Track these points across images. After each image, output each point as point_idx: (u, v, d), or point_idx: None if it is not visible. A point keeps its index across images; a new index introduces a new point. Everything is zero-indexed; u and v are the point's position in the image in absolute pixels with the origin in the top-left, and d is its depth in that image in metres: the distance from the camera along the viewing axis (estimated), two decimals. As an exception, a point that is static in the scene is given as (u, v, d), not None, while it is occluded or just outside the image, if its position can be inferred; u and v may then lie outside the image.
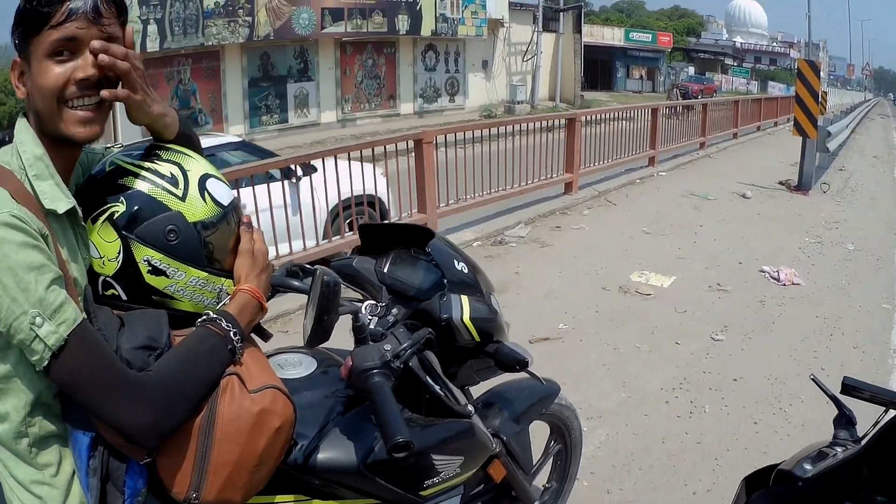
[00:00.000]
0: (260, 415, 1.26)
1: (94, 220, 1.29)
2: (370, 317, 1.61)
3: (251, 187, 5.33)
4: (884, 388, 1.65)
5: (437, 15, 21.92)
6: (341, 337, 1.53)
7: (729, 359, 4.56)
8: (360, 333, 1.50)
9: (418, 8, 21.27)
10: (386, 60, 21.58)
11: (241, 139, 8.39)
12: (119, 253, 1.28)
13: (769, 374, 4.34)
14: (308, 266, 1.76)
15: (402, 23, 20.94)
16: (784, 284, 6.14)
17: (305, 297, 1.54)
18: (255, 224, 1.48)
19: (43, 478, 1.21)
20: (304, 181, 6.05)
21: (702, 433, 3.64)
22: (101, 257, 1.29)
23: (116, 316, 1.25)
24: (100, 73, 1.21)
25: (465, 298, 1.66)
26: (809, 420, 3.71)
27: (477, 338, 1.67)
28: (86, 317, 1.17)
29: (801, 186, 10.93)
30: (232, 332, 1.28)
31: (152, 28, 16.02)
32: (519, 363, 1.67)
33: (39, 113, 1.23)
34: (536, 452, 2.33)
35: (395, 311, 1.66)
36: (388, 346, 1.45)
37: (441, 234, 1.81)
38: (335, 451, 1.47)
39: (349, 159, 6.15)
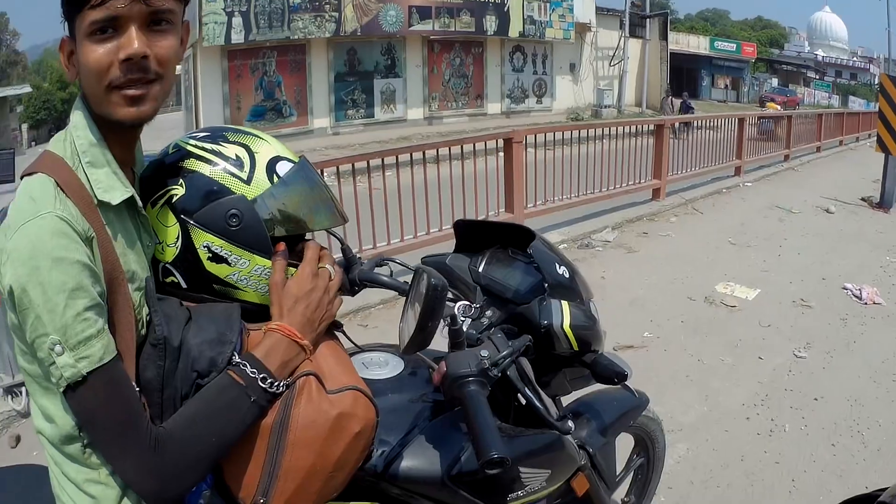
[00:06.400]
0: (338, 419, 1.16)
1: (154, 204, 1.21)
2: (463, 318, 1.55)
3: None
4: None
5: (525, 17, 21.95)
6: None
7: (811, 377, 4.45)
8: (457, 338, 1.38)
9: (506, 9, 21.33)
10: (474, 60, 21.70)
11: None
12: (178, 238, 1.20)
13: (849, 395, 4.21)
14: (402, 263, 1.64)
15: (490, 23, 21.04)
16: (866, 303, 5.96)
17: (389, 291, 1.50)
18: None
19: (98, 477, 1.09)
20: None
21: (780, 452, 3.56)
22: (160, 242, 1.21)
23: (185, 308, 1.17)
24: (147, 49, 1.07)
25: (565, 304, 1.55)
26: (886, 446, 3.62)
27: (576, 346, 1.55)
28: (116, 355, 1.05)
29: (883, 204, 10.55)
30: (261, 378, 1.12)
31: (237, 20, 16.43)
32: (618, 376, 1.54)
33: (88, 96, 1.12)
34: (619, 465, 2.25)
35: (489, 313, 1.60)
36: (485, 353, 1.35)
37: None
38: (419, 460, 1.38)
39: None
